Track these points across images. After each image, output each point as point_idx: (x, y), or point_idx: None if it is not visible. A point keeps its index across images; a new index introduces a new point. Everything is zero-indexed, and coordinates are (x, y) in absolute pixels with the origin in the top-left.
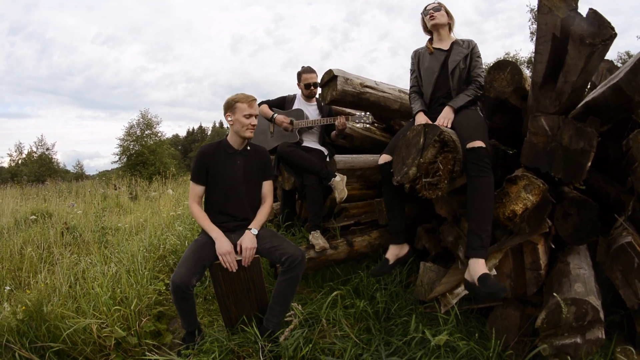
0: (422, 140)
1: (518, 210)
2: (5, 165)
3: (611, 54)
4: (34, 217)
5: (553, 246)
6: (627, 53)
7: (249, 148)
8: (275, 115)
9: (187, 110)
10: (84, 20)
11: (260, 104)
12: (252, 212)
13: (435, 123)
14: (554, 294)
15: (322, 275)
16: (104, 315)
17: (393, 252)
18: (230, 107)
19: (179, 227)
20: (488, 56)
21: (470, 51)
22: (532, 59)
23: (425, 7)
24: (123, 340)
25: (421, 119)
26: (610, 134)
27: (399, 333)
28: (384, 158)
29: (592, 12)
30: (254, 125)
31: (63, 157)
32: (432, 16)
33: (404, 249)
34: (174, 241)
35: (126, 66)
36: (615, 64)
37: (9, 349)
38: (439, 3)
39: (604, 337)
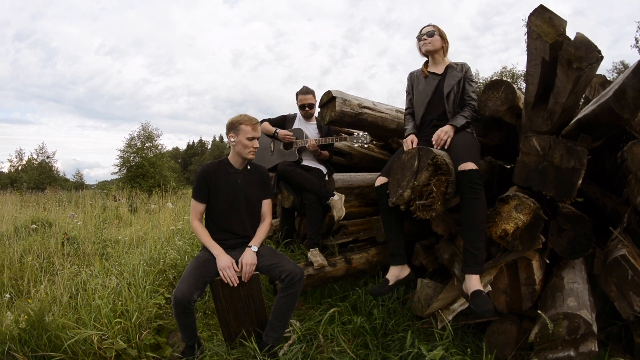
0: (416, 163)
1: (509, 229)
2: (5, 170)
3: (606, 64)
4: (34, 226)
5: (547, 261)
6: (622, 62)
7: (249, 167)
8: (278, 130)
9: (188, 123)
10: (88, 31)
11: (261, 122)
12: (252, 230)
13: (435, 135)
14: (539, 310)
15: (321, 291)
16: (104, 327)
17: (393, 273)
18: (233, 127)
19: (179, 242)
20: (485, 70)
21: (463, 75)
22: None
23: (420, 31)
24: (123, 352)
25: (408, 142)
26: (605, 146)
27: (396, 349)
28: (380, 180)
29: (580, 37)
30: (255, 148)
31: (63, 165)
32: (426, 42)
33: (405, 270)
34: (174, 255)
35: (129, 78)
36: (611, 74)
37: (11, 357)
38: (433, 27)
39: (597, 349)
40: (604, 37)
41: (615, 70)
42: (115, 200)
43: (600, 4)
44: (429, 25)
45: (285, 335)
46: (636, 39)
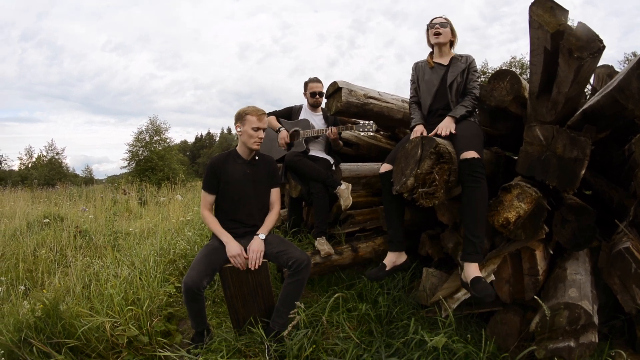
0: (419, 152)
1: (511, 218)
2: (16, 168)
3: (617, 55)
4: (46, 220)
5: (552, 252)
6: (634, 54)
7: (257, 158)
8: (281, 129)
9: (196, 116)
10: (94, 28)
11: (268, 115)
12: (261, 219)
13: (437, 131)
14: (535, 296)
15: (328, 280)
16: (116, 315)
17: (390, 259)
18: (240, 118)
19: (189, 233)
20: (494, 61)
21: (467, 66)
22: None
23: (432, 20)
24: (135, 339)
25: (419, 130)
26: (613, 138)
27: (400, 336)
28: (385, 167)
29: (581, 26)
30: (261, 139)
31: (72, 161)
32: (438, 33)
33: (402, 257)
34: (183, 246)
35: (135, 73)
36: (622, 66)
37: (28, 344)
38: (446, 19)
39: (597, 341)
40: (614, 29)
41: (627, 62)
42: (125, 194)
43: None
44: (442, 17)
45: (290, 316)
46: None
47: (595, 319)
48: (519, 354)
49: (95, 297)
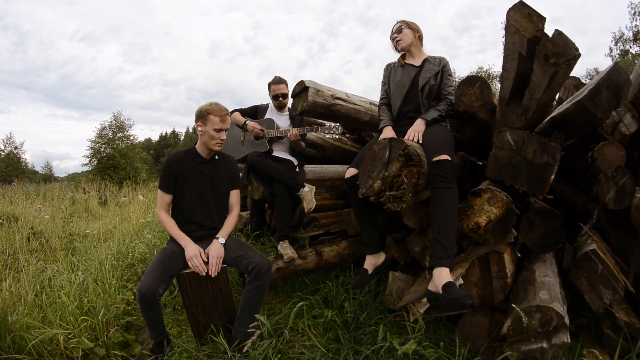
0: (387, 154)
1: (481, 222)
2: None
3: (580, 71)
4: None
5: (519, 255)
6: (596, 69)
7: (217, 157)
8: (248, 121)
9: (162, 114)
10: (63, 15)
11: (232, 112)
12: (220, 221)
13: (407, 135)
14: (512, 304)
15: (292, 285)
16: (71, 326)
17: (370, 262)
18: (202, 117)
19: (148, 235)
20: (461, 70)
21: (441, 69)
22: None
23: (391, 31)
24: (90, 352)
25: (388, 132)
26: (577, 146)
27: (368, 342)
28: (351, 172)
29: (558, 33)
30: (222, 140)
31: (32, 157)
32: (397, 40)
33: (381, 257)
34: (142, 249)
35: (103, 65)
36: (585, 80)
37: None
38: (400, 22)
39: (569, 341)
40: (579, 46)
41: (589, 77)
42: (85, 193)
43: (577, 14)
44: (396, 23)
45: (249, 330)
46: (610, 49)
47: (567, 320)
48: (489, 355)
49: (48, 306)
